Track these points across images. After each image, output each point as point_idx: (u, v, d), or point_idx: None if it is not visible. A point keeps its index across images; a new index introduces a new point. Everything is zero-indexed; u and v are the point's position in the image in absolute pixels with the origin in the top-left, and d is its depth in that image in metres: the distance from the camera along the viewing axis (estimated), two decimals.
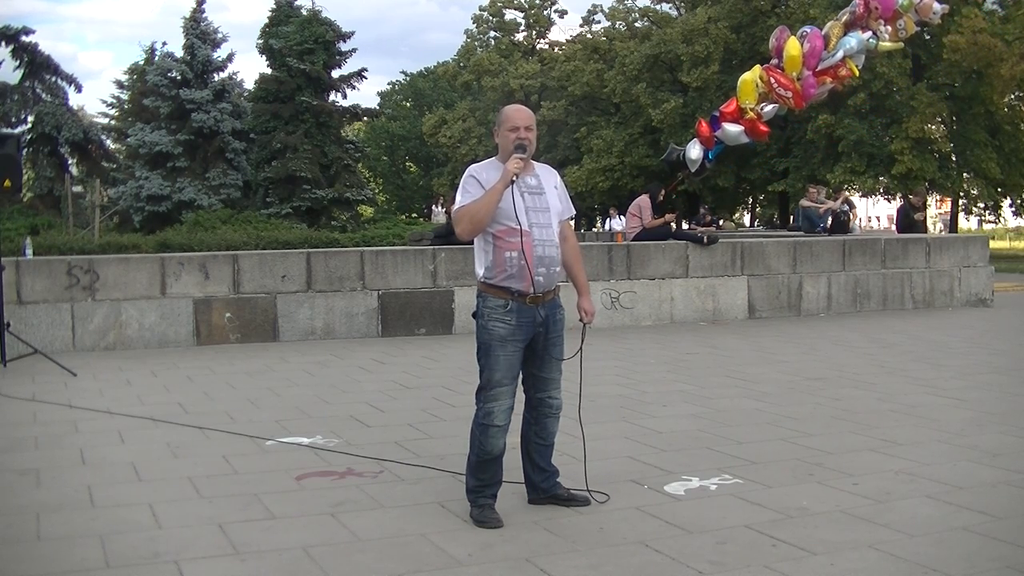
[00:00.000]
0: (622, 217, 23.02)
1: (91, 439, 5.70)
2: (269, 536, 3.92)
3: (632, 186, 34.96)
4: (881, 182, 31.18)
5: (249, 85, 34.13)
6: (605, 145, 37.93)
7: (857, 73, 13.26)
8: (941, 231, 39.97)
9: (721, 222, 33.88)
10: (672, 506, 4.30)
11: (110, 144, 38.86)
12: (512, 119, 4.15)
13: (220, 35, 32.74)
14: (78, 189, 32.61)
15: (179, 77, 31.09)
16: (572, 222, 4.53)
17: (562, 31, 68.44)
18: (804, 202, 17.17)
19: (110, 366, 8.59)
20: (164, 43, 61.73)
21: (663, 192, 13.22)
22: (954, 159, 30.56)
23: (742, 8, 33.86)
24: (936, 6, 12.89)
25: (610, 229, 27.30)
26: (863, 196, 35.31)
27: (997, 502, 4.28)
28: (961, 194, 32.15)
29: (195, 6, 32.50)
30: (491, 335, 4.05)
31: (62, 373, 8.06)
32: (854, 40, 12.65)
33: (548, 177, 4.26)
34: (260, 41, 32.27)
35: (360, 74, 32.98)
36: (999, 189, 31.32)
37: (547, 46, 48.55)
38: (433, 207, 61.13)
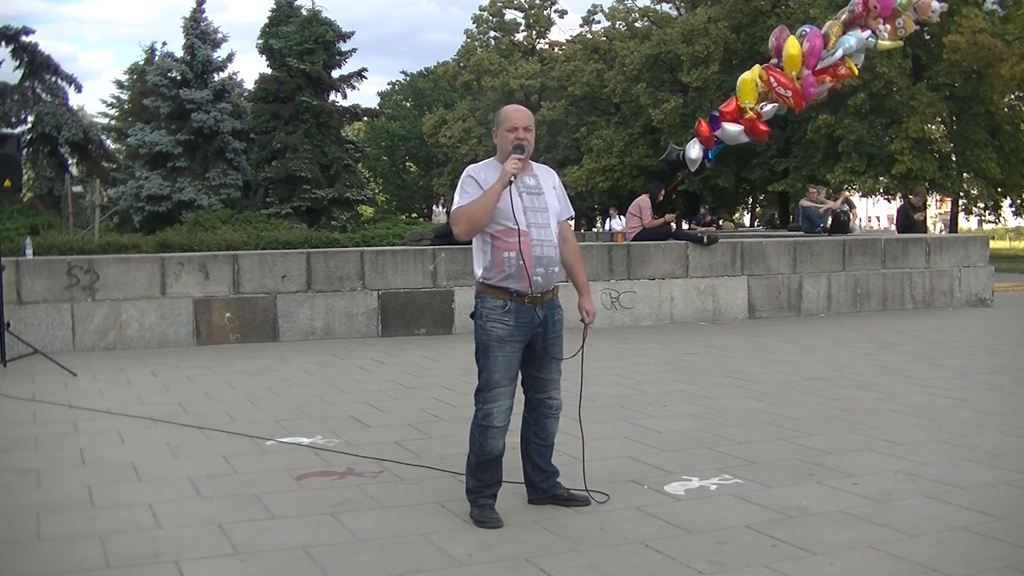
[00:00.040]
0: (622, 217, 23.01)
1: (91, 439, 5.70)
2: (269, 536, 3.92)
3: (632, 186, 34.96)
4: (881, 182, 31.17)
5: (249, 85, 34.24)
6: (605, 145, 37.94)
7: (856, 72, 13.26)
8: (941, 231, 39.98)
9: (721, 222, 33.87)
10: (672, 506, 4.30)
11: (110, 144, 38.90)
12: (510, 119, 4.15)
13: (220, 35, 32.83)
14: (78, 189, 32.64)
15: (179, 77, 31.11)
16: (572, 223, 4.53)
17: (562, 31, 68.57)
18: (804, 202, 17.16)
19: (110, 366, 8.59)
20: (164, 43, 61.99)
21: (663, 192, 13.21)
22: (954, 159, 30.56)
23: (742, 8, 33.86)
24: (935, 5, 12.89)
25: (610, 229, 27.30)
26: (863, 196, 35.31)
27: (997, 502, 4.28)
28: (961, 194, 32.14)
29: (195, 6, 32.57)
30: (489, 336, 4.05)
31: (62, 373, 8.06)
32: (853, 39, 12.66)
33: (546, 177, 4.26)
34: (260, 41, 32.30)
35: (360, 74, 33.03)
36: (999, 189, 31.32)
37: (547, 46, 48.58)
38: (434, 207, 61.14)
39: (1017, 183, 30.73)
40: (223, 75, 32.55)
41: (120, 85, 47.75)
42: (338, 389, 7.36)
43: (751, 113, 12.85)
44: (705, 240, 12.22)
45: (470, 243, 4.19)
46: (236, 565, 3.61)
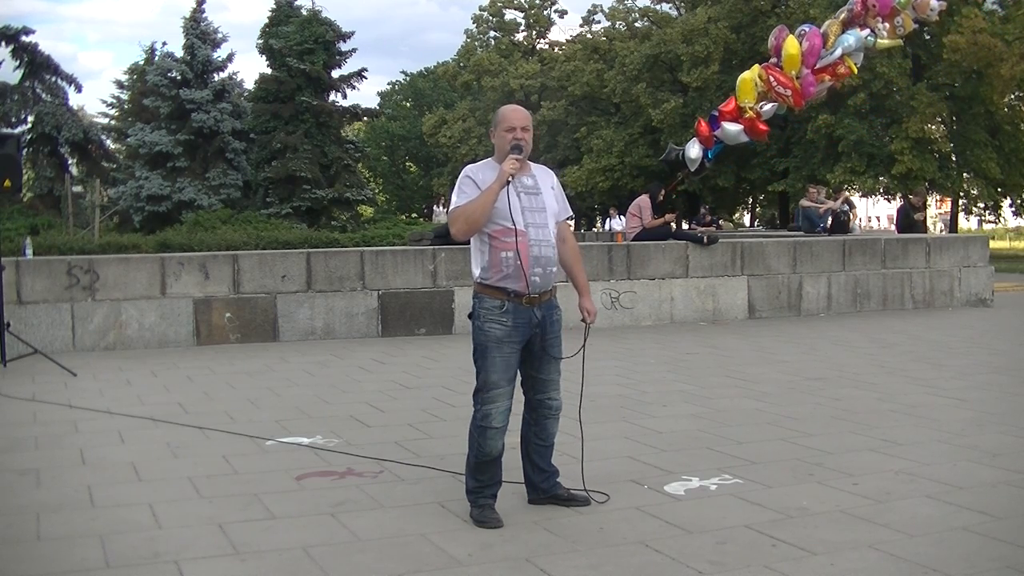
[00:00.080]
0: (622, 217, 23.01)
1: (91, 439, 5.70)
2: (269, 536, 3.92)
3: (632, 186, 34.96)
4: (881, 182, 31.17)
5: (249, 85, 34.24)
6: (605, 145, 37.93)
7: (856, 71, 13.28)
8: (941, 231, 39.97)
9: (721, 222, 33.87)
10: (672, 506, 4.30)
11: (110, 144, 38.90)
12: (508, 119, 4.14)
13: (220, 35, 32.83)
14: (78, 189, 32.64)
15: (179, 77, 31.11)
16: (572, 223, 4.53)
17: (562, 31, 68.52)
18: (804, 202, 17.16)
19: (110, 366, 8.59)
20: (164, 43, 62.00)
21: (663, 192, 13.21)
22: (954, 159, 30.56)
23: (742, 8, 33.86)
24: (933, 3, 12.90)
25: (610, 229, 27.30)
26: (863, 196, 35.30)
27: (997, 502, 4.28)
28: (961, 194, 32.14)
29: (195, 6, 32.57)
30: (487, 336, 4.04)
31: (62, 373, 8.06)
32: (852, 38, 12.67)
33: (545, 178, 4.25)
34: (260, 41, 32.30)
35: (360, 74, 33.03)
36: (999, 189, 31.31)
37: (547, 46, 48.58)
38: (434, 207, 61.15)
39: (1017, 183, 30.73)
40: (223, 75, 32.57)
41: (120, 85, 47.82)
42: (338, 389, 7.36)
43: (750, 112, 12.86)
44: (705, 240, 12.22)
45: (469, 243, 4.19)
46: (236, 565, 3.61)
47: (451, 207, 4.12)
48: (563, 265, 4.31)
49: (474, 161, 4.45)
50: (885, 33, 12.92)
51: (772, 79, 12.60)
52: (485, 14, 48.46)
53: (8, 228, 21.19)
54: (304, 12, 32.04)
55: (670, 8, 40.87)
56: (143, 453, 5.34)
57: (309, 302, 10.34)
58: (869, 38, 12.78)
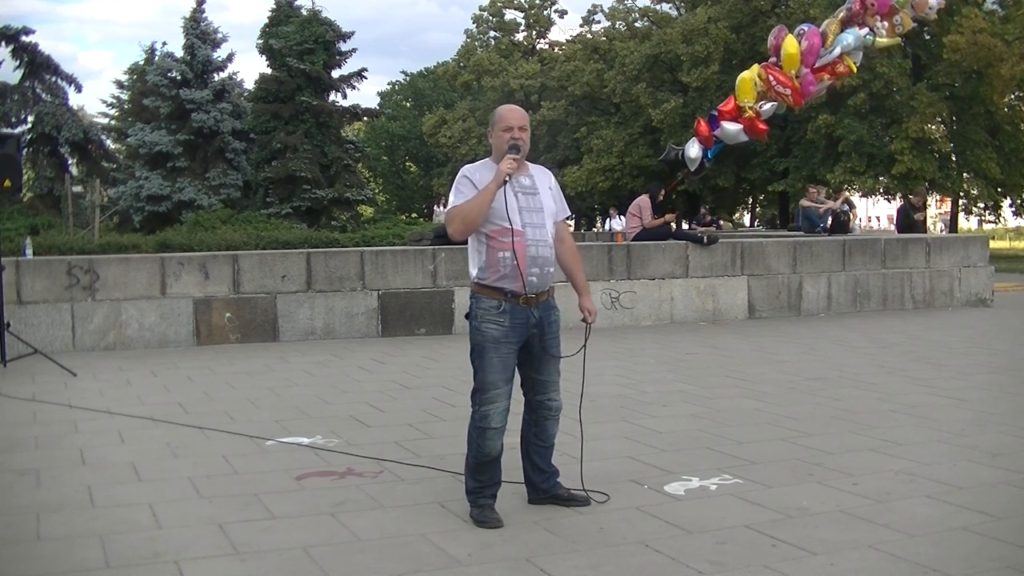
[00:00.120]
0: (622, 217, 23.01)
1: (91, 439, 5.71)
2: (269, 536, 3.92)
3: (632, 186, 34.95)
4: (881, 182, 31.17)
5: (249, 85, 34.22)
6: (605, 145, 37.93)
7: (855, 69, 13.29)
8: (941, 231, 39.98)
9: (720, 222, 33.88)
10: (672, 506, 4.30)
11: (110, 144, 38.89)
12: (506, 119, 4.14)
13: (220, 35, 32.81)
14: (78, 189, 32.63)
15: (179, 77, 31.10)
16: (572, 224, 4.53)
17: (562, 31, 68.52)
18: (804, 202, 17.16)
19: (110, 366, 8.59)
20: (164, 43, 61.96)
21: (663, 192, 13.22)
22: (954, 159, 30.56)
23: (742, 8, 33.86)
24: (932, 1, 12.90)
25: (610, 229, 27.30)
26: (863, 196, 35.31)
27: (997, 502, 4.28)
28: (961, 194, 32.14)
29: (195, 6, 32.55)
30: (484, 337, 4.03)
31: (62, 373, 8.06)
32: (851, 37, 12.68)
33: (542, 178, 4.24)
34: (260, 41, 32.28)
35: (360, 74, 33.02)
36: (999, 189, 31.32)
37: (547, 46, 48.57)
38: (435, 207, 61.16)
39: (1017, 183, 30.74)
40: (223, 75, 32.55)
41: (120, 85, 47.81)
42: (338, 389, 7.37)
43: (750, 112, 12.86)
44: (705, 240, 12.22)
45: (467, 243, 4.19)
46: (236, 565, 3.61)
47: (448, 207, 4.12)
48: (562, 265, 4.30)
49: (472, 161, 4.45)
50: (884, 32, 12.93)
51: (772, 78, 12.61)
52: (485, 14, 48.46)
53: (8, 228, 21.19)
54: (304, 12, 32.04)
55: (670, 8, 40.87)
56: (143, 453, 5.34)
57: (309, 302, 10.34)
58: (868, 37, 12.78)
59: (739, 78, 13.18)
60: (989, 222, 39.61)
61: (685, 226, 27.12)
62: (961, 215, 37.92)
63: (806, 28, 12.96)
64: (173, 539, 3.88)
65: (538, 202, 4.13)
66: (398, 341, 10.20)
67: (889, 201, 38.68)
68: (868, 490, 4.46)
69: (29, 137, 30.95)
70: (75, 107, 35.37)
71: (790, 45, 12.54)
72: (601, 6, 43.91)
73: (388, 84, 69.30)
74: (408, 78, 62.19)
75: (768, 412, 6.32)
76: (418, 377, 7.89)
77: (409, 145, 56.86)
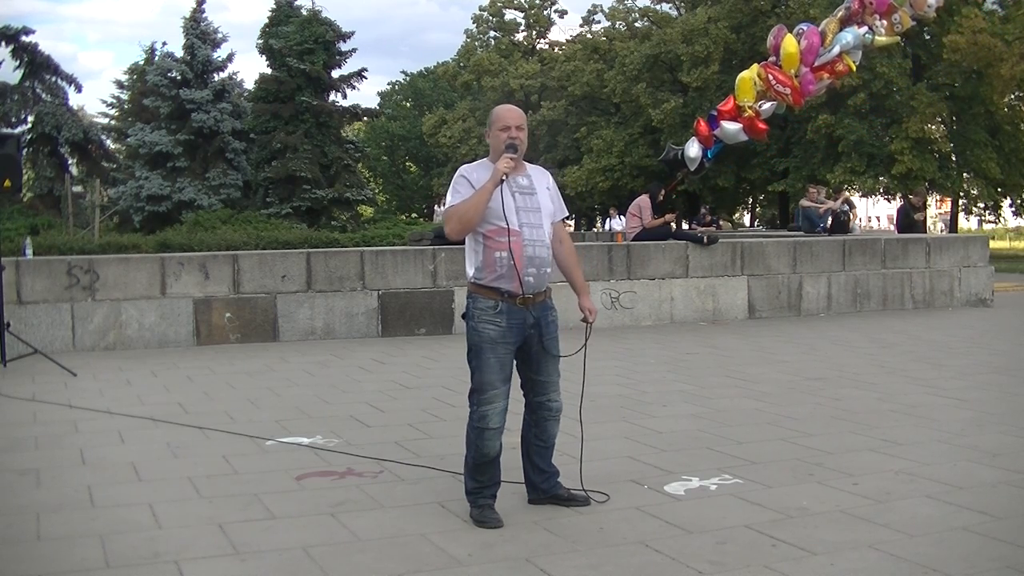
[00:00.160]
0: (622, 217, 23.01)
1: (91, 439, 5.71)
2: (269, 536, 3.92)
3: (632, 186, 34.95)
4: (881, 182, 31.17)
5: (249, 85, 34.22)
6: (605, 145, 37.93)
7: (854, 68, 13.31)
8: (941, 231, 39.98)
9: (720, 222, 33.89)
10: (672, 506, 4.30)
11: (110, 144, 38.89)
12: (503, 119, 4.14)
13: (220, 35, 32.81)
14: (78, 189, 32.62)
15: (179, 77, 31.10)
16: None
17: (562, 31, 68.54)
18: (804, 202, 17.17)
19: (110, 366, 8.59)
20: (164, 43, 62.00)
21: (663, 192, 13.22)
22: (954, 159, 30.56)
23: (742, 8, 33.86)
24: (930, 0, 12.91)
25: (610, 229, 27.30)
26: (863, 196, 35.31)
27: (997, 502, 4.28)
28: (961, 194, 32.14)
29: (195, 6, 32.55)
30: (481, 337, 4.03)
31: (62, 373, 8.06)
32: (850, 35, 12.69)
33: (540, 178, 4.24)
34: (260, 41, 32.28)
35: (360, 74, 33.01)
36: (999, 189, 31.31)
37: (547, 46, 48.57)
38: (435, 207, 61.16)
39: (1017, 183, 30.74)
40: (223, 75, 32.55)
41: (120, 85, 47.81)
42: (338, 389, 7.37)
43: (749, 111, 12.86)
44: (705, 240, 12.22)
45: (464, 243, 4.19)
46: (236, 565, 3.61)
47: (445, 207, 4.12)
48: (560, 266, 4.30)
49: (471, 162, 4.46)
50: (883, 30, 12.94)
51: (771, 78, 12.62)
52: (485, 14, 48.46)
53: (8, 228, 21.19)
54: (304, 12, 32.03)
55: (670, 8, 40.87)
56: (143, 453, 5.34)
57: (309, 302, 10.34)
58: (867, 35, 12.79)
59: (739, 77, 13.20)
60: (989, 222, 39.61)
61: (685, 226, 27.13)
62: (961, 215, 37.91)
63: (805, 27, 12.98)
64: (173, 539, 3.88)
65: (535, 202, 4.13)
66: (398, 341, 10.20)
67: (889, 201, 38.68)
68: (868, 490, 4.46)
69: (29, 137, 30.95)
70: (75, 107, 35.41)
71: (789, 44, 12.54)
72: (601, 6, 43.97)
73: (388, 84, 69.38)
74: (408, 78, 62.19)
75: (768, 412, 6.32)
76: (418, 377, 7.89)
77: (409, 145, 56.85)
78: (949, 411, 6.29)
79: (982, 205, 33.95)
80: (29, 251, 11.08)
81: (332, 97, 32.40)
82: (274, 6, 32.83)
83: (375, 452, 5.27)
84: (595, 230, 38.47)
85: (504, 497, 4.23)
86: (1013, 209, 35.29)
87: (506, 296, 4.02)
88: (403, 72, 78.73)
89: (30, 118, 32.13)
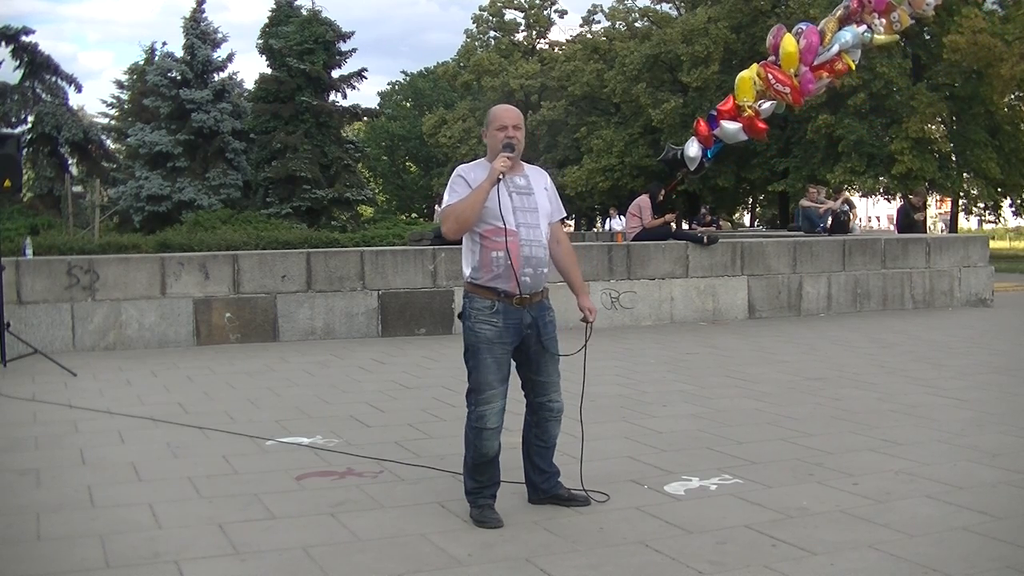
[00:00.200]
0: (622, 217, 23.01)
1: (91, 439, 5.71)
2: (269, 536, 3.92)
3: (632, 186, 34.96)
4: (881, 182, 31.18)
5: (249, 85, 34.22)
6: (605, 145, 37.93)
7: (854, 67, 13.32)
8: (941, 231, 39.98)
9: (720, 222, 33.89)
10: (672, 506, 4.30)
11: (110, 144, 38.88)
12: (500, 118, 4.13)
13: (220, 35, 32.80)
14: (78, 189, 32.61)
15: (179, 77, 31.10)
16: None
17: (562, 31, 68.57)
18: (804, 202, 17.17)
19: (110, 366, 8.59)
20: (164, 43, 61.99)
21: (663, 192, 13.22)
22: (954, 159, 30.56)
23: (742, 8, 33.87)
24: None
25: (610, 229, 27.30)
26: (863, 196, 35.31)
27: (997, 502, 4.28)
28: (961, 194, 32.15)
29: (195, 6, 32.54)
30: (478, 337, 4.03)
31: (62, 373, 8.06)
32: (849, 34, 12.70)
33: (538, 178, 4.24)
34: (260, 41, 32.27)
35: (360, 74, 33.00)
36: (999, 189, 31.32)
37: (547, 46, 48.56)
38: (435, 207, 61.14)
39: (1017, 183, 30.74)
40: (223, 75, 32.55)
41: (120, 85, 47.80)
42: (338, 389, 7.37)
43: (749, 111, 12.87)
44: (705, 240, 12.22)
45: (461, 242, 4.19)
46: (236, 565, 3.61)
47: (443, 206, 4.12)
48: (559, 266, 4.29)
49: (469, 162, 4.46)
50: (882, 29, 12.95)
51: (771, 77, 12.62)
52: (485, 14, 48.45)
53: (8, 228, 21.19)
54: (304, 12, 32.02)
55: (670, 8, 40.87)
56: (143, 453, 5.34)
57: (309, 302, 10.34)
58: (866, 34, 12.80)
59: (738, 77, 13.20)
60: (989, 222, 39.61)
61: (685, 226, 27.13)
62: (961, 215, 37.92)
63: (804, 27, 12.98)
64: (173, 539, 3.88)
65: (533, 202, 4.13)
66: (398, 341, 10.21)
67: (889, 201, 38.68)
68: (868, 490, 4.46)
69: (29, 137, 30.95)
70: (75, 107, 35.40)
71: (789, 44, 12.55)
72: (601, 6, 43.97)
73: (388, 84, 69.33)
74: (408, 78, 62.17)
75: (768, 412, 6.32)
76: (418, 377, 7.89)
77: (409, 145, 56.85)
78: (949, 411, 6.29)
79: (982, 205, 33.96)
80: (29, 251, 11.08)
81: (332, 97, 32.42)
82: (274, 6, 32.83)
83: (375, 452, 5.27)
84: (595, 230, 38.48)
85: (504, 497, 4.23)
86: (1013, 209, 35.30)
87: (503, 296, 4.02)
88: (403, 72, 78.77)
89: (30, 118, 32.13)
